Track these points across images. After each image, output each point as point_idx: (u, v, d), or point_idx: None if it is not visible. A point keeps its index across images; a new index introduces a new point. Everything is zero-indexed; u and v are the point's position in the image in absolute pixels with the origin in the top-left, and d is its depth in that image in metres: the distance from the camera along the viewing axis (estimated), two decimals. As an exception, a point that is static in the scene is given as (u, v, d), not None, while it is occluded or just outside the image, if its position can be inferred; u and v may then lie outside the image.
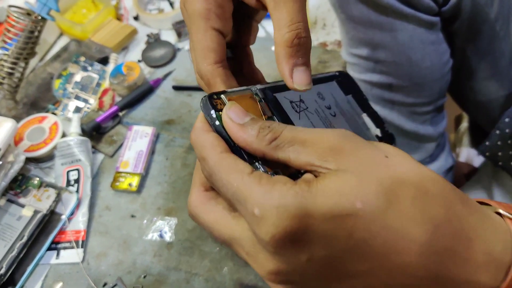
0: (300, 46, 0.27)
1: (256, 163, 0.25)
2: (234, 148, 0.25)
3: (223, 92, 0.27)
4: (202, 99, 0.27)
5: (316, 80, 0.34)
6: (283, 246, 0.21)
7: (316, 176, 0.23)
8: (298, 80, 0.28)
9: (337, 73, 0.37)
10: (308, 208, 0.21)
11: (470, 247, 0.22)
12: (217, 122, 0.26)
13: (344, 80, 0.37)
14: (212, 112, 0.26)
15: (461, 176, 0.78)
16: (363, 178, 0.22)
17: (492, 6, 0.52)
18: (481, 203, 0.26)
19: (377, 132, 0.38)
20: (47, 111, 0.67)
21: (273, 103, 0.29)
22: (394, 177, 0.22)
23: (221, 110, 0.26)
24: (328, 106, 0.34)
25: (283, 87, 0.31)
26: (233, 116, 0.25)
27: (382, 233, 0.21)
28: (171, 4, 0.80)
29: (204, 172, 0.25)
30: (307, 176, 0.23)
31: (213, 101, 0.26)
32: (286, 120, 0.29)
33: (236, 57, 0.35)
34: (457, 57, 0.61)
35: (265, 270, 0.23)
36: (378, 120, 0.38)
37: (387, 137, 0.39)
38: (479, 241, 0.22)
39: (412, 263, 0.21)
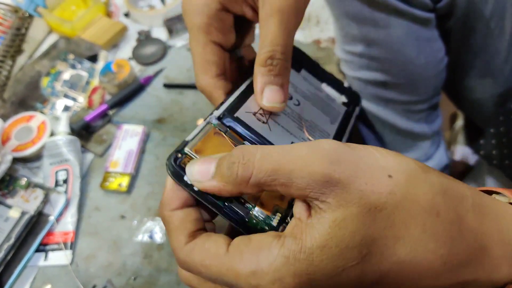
0: (274, 67, 0.27)
1: (253, 210, 0.24)
2: (228, 201, 0.24)
3: (185, 144, 0.26)
4: (167, 164, 0.25)
5: None
6: None
7: (309, 205, 0.21)
8: (268, 97, 0.28)
9: None
10: (307, 272, 0.19)
11: (486, 254, 0.21)
12: (195, 188, 0.24)
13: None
14: (186, 178, 0.24)
15: (456, 175, 0.77)
16: (365, 218, 0.19)
17: (487, 3, 0.52)
18: (492, 191, 0.25)
19: (342, 98, 0.36)
20: (35, 110, 0.65)
21: (239, 127, 0.28)
22: (400, 206, 0.20)
23: None
24: (289, 97, 0.32)
25: (240, 99, 0.29)
26: (198, 177, 0.23)
27: (394, 268, 0.19)
28: (163, 1, 0.79)
29: (178, 262, 0.23)
30: (297, 216, 0.21)
31: (180, 162, 0.25)
32: (260, 138, 0.28)
33: (244, 56, 0.35)
34: (452, 54, 0.61)
35: None
36: (338, 85, 0.37)
37: (353, 98, 0.37)
38: (496, 244, 0.21)
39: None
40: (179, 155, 0.25)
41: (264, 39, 0.28)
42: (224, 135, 0.27)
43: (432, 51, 0.57)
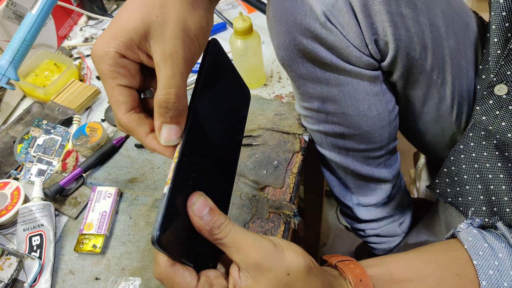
0: (169, 109, 0.32)
1: None
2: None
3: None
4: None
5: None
6: None
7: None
8: (163, 135, 0.33)
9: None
10: None
11: None
12: None
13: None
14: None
15: (420, 212, 0.81)
16: None
17: (426, 59, 0.57)
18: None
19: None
20: (9, 177, 0.67)
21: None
22: None
23: None
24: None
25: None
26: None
27: None
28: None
29: None
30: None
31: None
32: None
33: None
34: (402, 103, 0.66)
35: None
36: None
37: None
38: None
39: None
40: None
41: (159, 82, 0.32)
42: None
43: (382, 104, 0.62)
